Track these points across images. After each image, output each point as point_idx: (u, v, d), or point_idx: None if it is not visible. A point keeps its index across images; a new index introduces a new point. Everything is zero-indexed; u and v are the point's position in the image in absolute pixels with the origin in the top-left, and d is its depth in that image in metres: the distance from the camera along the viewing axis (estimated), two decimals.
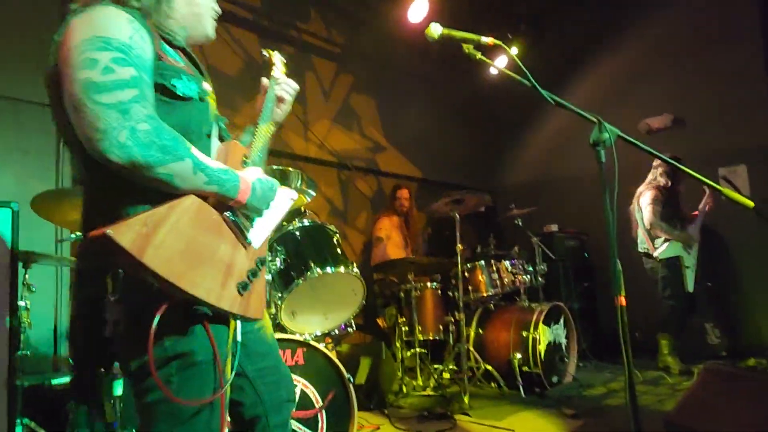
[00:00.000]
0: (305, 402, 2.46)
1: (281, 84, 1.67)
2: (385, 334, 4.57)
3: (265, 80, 1.67)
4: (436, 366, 4.31)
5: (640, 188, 4.78)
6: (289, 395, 1.66)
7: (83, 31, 1.17)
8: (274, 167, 2.71)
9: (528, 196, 6.03)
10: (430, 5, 4.98)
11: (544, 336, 4.14)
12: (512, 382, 4.04)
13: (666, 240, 4.64)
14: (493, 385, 4.19)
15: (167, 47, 1.36)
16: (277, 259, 2.70)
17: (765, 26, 5.22)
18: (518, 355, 4.07)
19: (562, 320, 4.44)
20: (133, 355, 1.22)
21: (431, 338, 4.35)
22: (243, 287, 1.28)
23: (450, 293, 4.49)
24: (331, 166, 5.42)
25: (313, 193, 2.90)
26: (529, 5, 6.32)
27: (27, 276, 2.60)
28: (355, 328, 3.12)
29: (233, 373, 1.31)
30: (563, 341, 4.41)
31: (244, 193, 1.30)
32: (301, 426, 2.42)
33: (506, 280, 4.48)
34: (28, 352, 2.58)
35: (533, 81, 1.62)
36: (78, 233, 2.50)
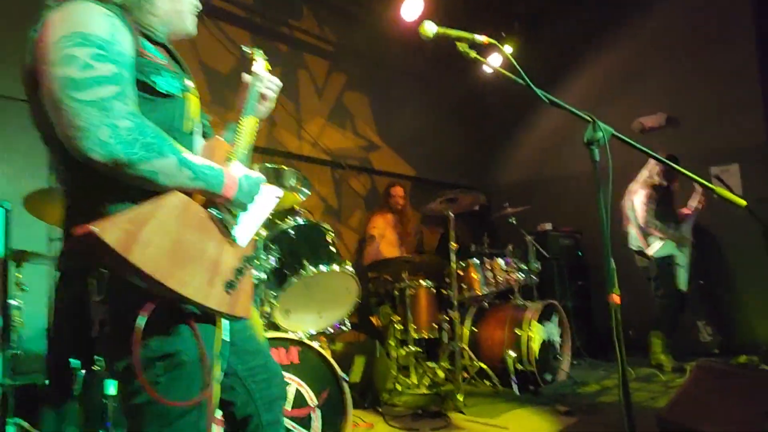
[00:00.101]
0: (300, 400, 2.45)
1: (264, 81, 1.65)
2: (379, 333, 4.57)
3: (246, 76, 1.65)
4: (430, 364, 4.31)
5: (633, 186, 4.79)
6: (281, 393, 1.64)
7: (61, 27, 1.14)
8: (268, 165, 2.71)
9: (522, 194, 6.03)
10: (424, 3, 4.98)
11: (538, 334, 4.15)
12: (506, 380, 4.05)
13: (660, 239, 4.66)
14: (487, 383, 4.20)
15: (148, 43, 1.33)
16: (272, 257, 2.70)
17: (759, 26, 5.25)
18: (512, 353, 4.08)
19: (556, 318, 4.46)
20: (119, 356, 1.20)
21: (425, 336, 4.35)
22: (230, 286, 1.26)
23: (444, 292, 4.50)
24: (325, 164, 5.41)
25: (307, 192, 2.90)
26: (524, 4, 6.33)
27: (19, 275, 2.58)
28: (349, 327, 3.12)
29: (221, 372, 1.30)
30: (557, 339, 4.43)
31: (230, 189, 1.28)
32: (295, 425, 2.41)
33: (500, 278, 4.49)
34: (20, 352, 2.56)
35: (527, 80, 1.62)
36: None
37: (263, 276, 2.64)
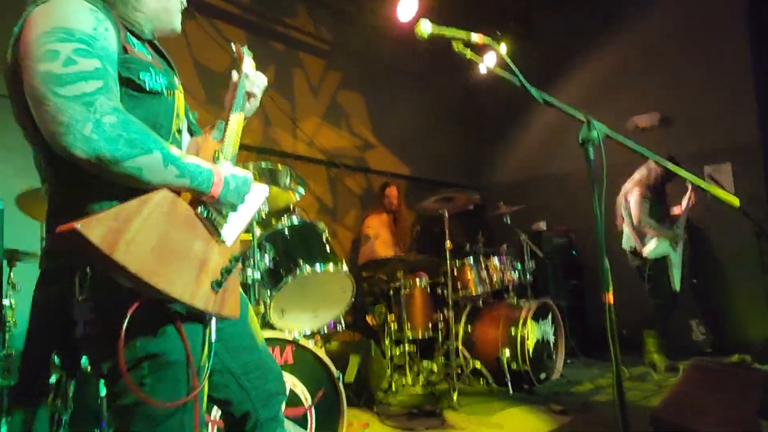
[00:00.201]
0: (295, 400, 2.45)
1: (251, 79, 1.64)
2: (374, 332, 4.57)
3: (234, 74, 1.65)
4: (425, 363, 4.32)
5: (628, 185, 4.80)
6: (279, 388, 1.62)
7: (44, 22, 1.13)
8: (263, 164, 2.70)
9: (516, 194, 6.04)
10: (419, 2, 4.97)
11: (532, 333, 4.16)
12: (501, 379, 4.06)
13: (654, 238, 4.67)
14: (481, 382, 4.20)
15: (134, 40, 1.31)
16: (266, 257, 2.69)
17: (751, 27, 5.28)
18: (507, 352, 4.09)
19: (550, 317, 4.47)
20: (105, 356, 1.19)
21: (420, 336, 4.36)
22: (217, 285, 1.24)
23: (439, 291, 4.51)
24: (320, 163, 5.40)
25: (303, 191, 2.89)
26: (518, 3, 6.34)
27: (12, 275, 2.57)
28: (344, 326, 3.12)
29: (207, 372, 1.27)
30: (551, 338, 4.44)
31: (217, 187, 1.26)
32: (290, 424, 2.41)
33: (495, 277, 4.50)
34: (13, 351, 2.55)
35: (522, 79, 1.63)
36: None
37: (258, 275, 2.63)
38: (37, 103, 1.08)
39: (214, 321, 1.30)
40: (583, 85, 6.30)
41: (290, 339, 2.52)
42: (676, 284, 4.68)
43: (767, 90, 5.24)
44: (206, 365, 1.27)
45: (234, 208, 1.35)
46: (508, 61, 1.67)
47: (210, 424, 2.20)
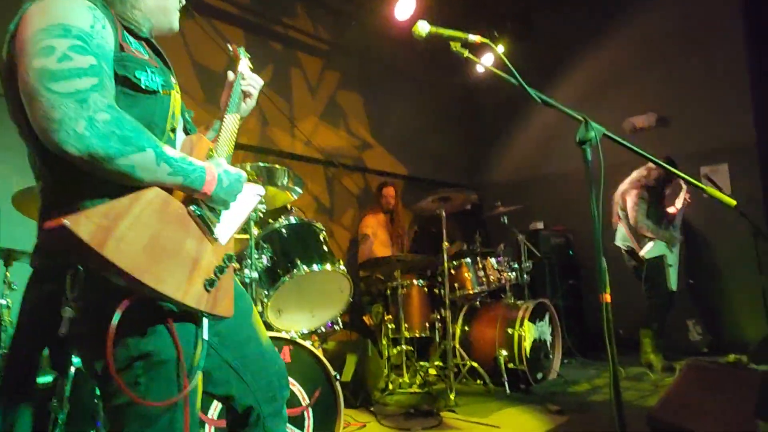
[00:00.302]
0: (292, 400, 2.44)
1: (247, 79, 1.64)
2: (371, 332, 4.57)
3: (231, 74, 1.64)
4: (422, 363, 4.32)
5: (625, 186, 4.81)
6: (281, 381, 1.61)
7: (41, 18, 1.12)
8: (261, 164, 2.70)
9: (514, 193, 6.06)
10: (417, 2, 4.98)
11: (529, 333, 4.16)
12: (498, 378, 4.06)
13: (651, 239, 4.68)
14: (478, 381, 4.20)
15: (131, 38, 1.31)
16: (264, 256, 2.69)
17: (748, 27, 5.29)
18: (504, 352, 4.09)
19: (547, 317, 4.47)
20: (97, 356, 1.18)
21: (417, 335, 4.36)
22: (210, 284, 1.23)
23: (436, 291, 4.51)
24: (318, 163, 5.40)
25: (300, 191, 2.89)
26: (517, 3, 6.35)
27: (8, 274, 2.56)
28: (341, 326, 3.12)
29: (199, 370, 1.26)
30: (548, 338, 4.45)
31: (209, 185, 1.25)
32: (287, 424, 2.41)
33: (492, 277, 4.50)
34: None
35: (520, 79, 1.63)
36: None
37: (255, 275, 2.63)
38: (31, 99, 1.07)
39: (206, 320, 1.29)
40: (581, 85, 6.31)
41: (287, 338, 2.52)
42: (673, 284, 4.69)
43: (764, 91, 5.27)
44: (199, 364, 1.26)
45: (226, 205, 1.34)
46: (506, 61, 1.67)
47: (207, 423, 2.19)
